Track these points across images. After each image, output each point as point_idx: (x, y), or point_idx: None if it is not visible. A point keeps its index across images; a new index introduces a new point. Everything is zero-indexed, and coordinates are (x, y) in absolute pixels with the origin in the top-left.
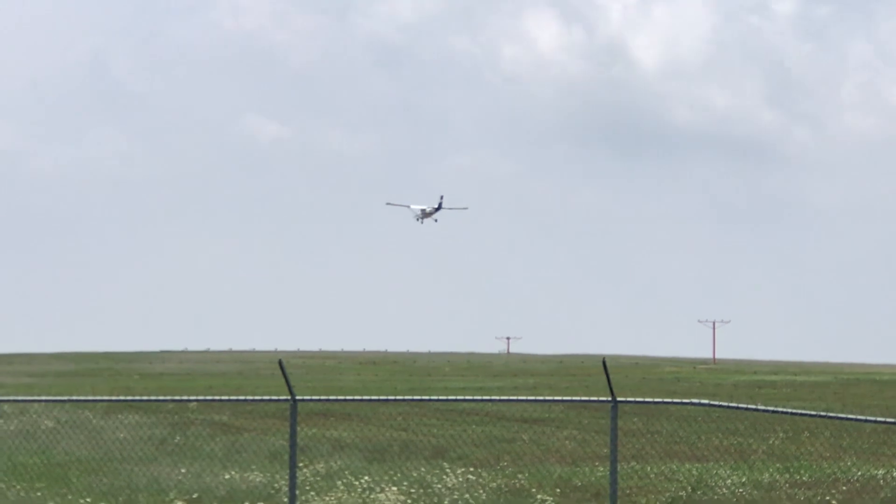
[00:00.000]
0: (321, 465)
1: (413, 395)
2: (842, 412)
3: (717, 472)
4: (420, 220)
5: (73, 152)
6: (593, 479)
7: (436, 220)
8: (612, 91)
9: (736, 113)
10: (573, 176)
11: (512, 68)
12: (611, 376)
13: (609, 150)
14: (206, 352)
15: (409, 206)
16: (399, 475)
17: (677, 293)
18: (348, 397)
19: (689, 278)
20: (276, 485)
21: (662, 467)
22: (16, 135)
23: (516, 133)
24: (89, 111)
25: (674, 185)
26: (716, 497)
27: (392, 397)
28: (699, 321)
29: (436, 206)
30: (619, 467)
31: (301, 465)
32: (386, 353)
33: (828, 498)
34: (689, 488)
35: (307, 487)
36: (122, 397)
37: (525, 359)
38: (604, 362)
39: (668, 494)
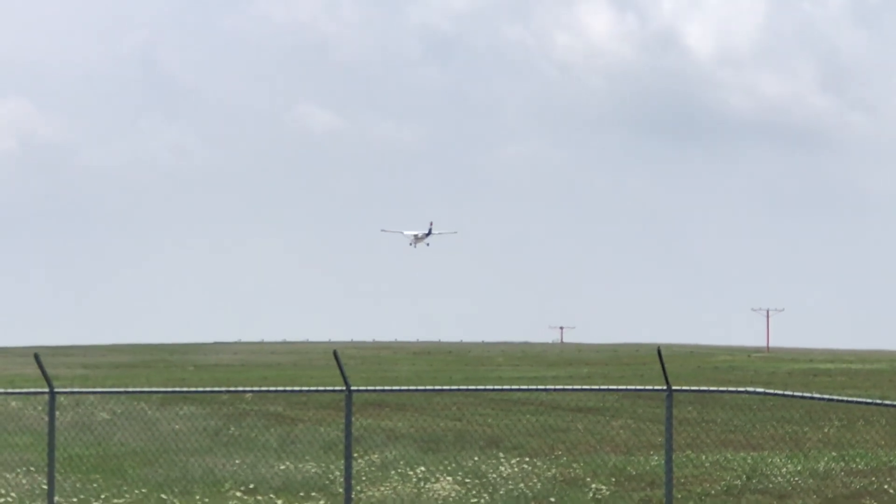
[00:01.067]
0: (376, 456)
1: (467, 384)
2: None
3: (771, 461)
4: (413, 244)
5: (124, 145)
6: (648, 468)
7: (427, 245)
8: (665, 79)
9: (789, 100)
10: (626, 164)
11: (564, 57)
12: (665, 365)
13: (661, 138)
14: (261, 343)
15: (402, 232)
16: (453, 465)
17: (731, 281)
18: (403, 387)
19: (742, 266)
20: (330, 475)
21: (717, 456)
22: (67, 128)
23: (568, 122)
24: (141, 104)
25: (727, 172)
26: (771, 485)
27: (446, 387)
28: (753, 309)
29: (426, 231)
30: (673, 456)
31: (356, 455)
32: (440, 342)
33: (885, 486)
34: (744, 477)
35: (362, 478)
36: (177, 389)
37: (579, 348)
38: (658, 351)
39: (723, 483)
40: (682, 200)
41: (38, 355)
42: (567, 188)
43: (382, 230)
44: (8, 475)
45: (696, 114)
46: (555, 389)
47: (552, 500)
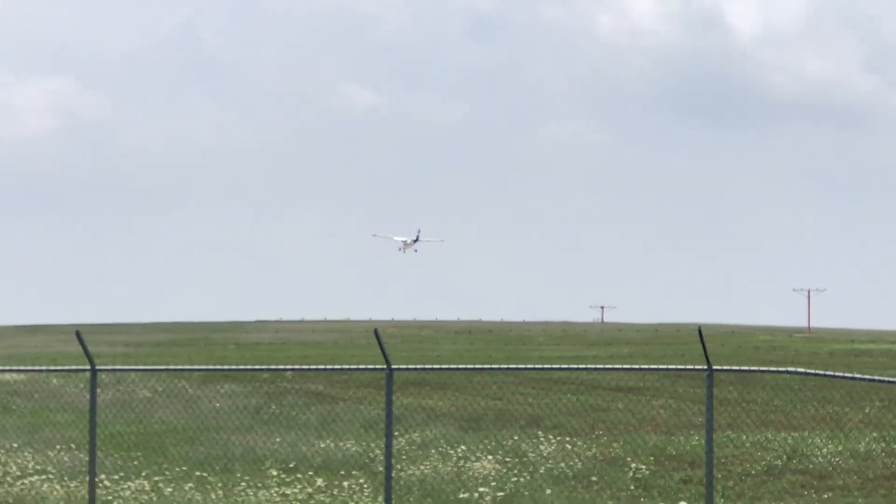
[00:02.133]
0: (416, 435)
1: (508, 364)
2: None
3: (812, 441)
4: (402, 250)
5: (166, 124)
6: (688, 447)
7: (416, 251)
8: (708, 59)
9: (833, 80)
10: (668, 144)
11: (607, 37)
12: (706, 345)
13: (704, 118)
14: (301, 321)
15: (392, 238)
16: (494, 444)
17: (773, 261)
18: (443, 366)
19: (784, 246)
20: (371, 454)
21: (758, 436)
22: (109, 106)
23: (610, 102)
24: (182, 82)
25: (769, 153)
26: (811, 466)
27: (487, 366)
28: (794, 289)
29: (414, 238)
30: (714, 436)
31: (396, 434)
32: (480, 322)
33: None
34: (785, 457)
35: (402, 457)
36: (217, 367)
37: (620, 328)
38: (699, 331)
39: (763, 463)
40: (724, 180)
41: (79, 333)
42: (609, 168)
43: (374, 235)
44: (49, 452)
45: (739, 94)
46: (595, 369)
47: (593, 479)
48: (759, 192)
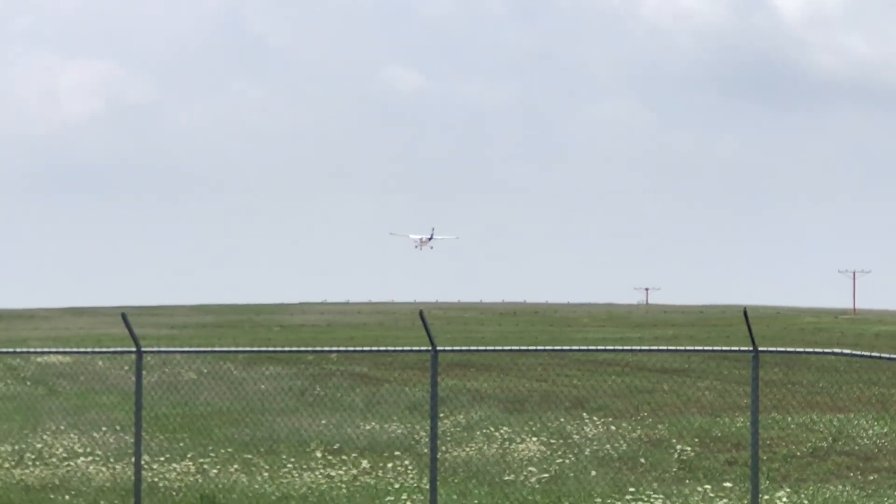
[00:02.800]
0: (461, 416)
1: (552, 345)
2: None
3: (858, 423)
4: (419, 247)
5: (212, 106)
6: (733, 429)
7: (431, 248)
8: (754, 40)
9: (879, 61)
10: (713, 125)
11: (652, 18)
12: (751, 326)
13: (750, 99)
14: (346, 303)
15: (408, 236)
16: (539, 426)
17: (818, 243)
18: (488, 348)
19: (829, 228)
20: (416, 436)
21: (803, 418)
22: (155, 89)
23: (656, 83)
24: (228, 64)
25: (815, 133)
26: (857, 448)
27: (531, 347)
28: (840, 271)
29: (429, 236)
30: (759, 418)
31: (441, 415)
32: (525, 303)
33: None
34: (830, 439)
35: (447, 438)
36: (262, 349)
37: (665, 309)
38: (745, 312)
39: (808, 445)
40: (770, 161)
41: (125, 315)
42: (654, 149)
43: (391, 234)
44: (95, 434)
45: (785, 74)
46: (640, 350)
47: (638, 460)
48: (805, 173)
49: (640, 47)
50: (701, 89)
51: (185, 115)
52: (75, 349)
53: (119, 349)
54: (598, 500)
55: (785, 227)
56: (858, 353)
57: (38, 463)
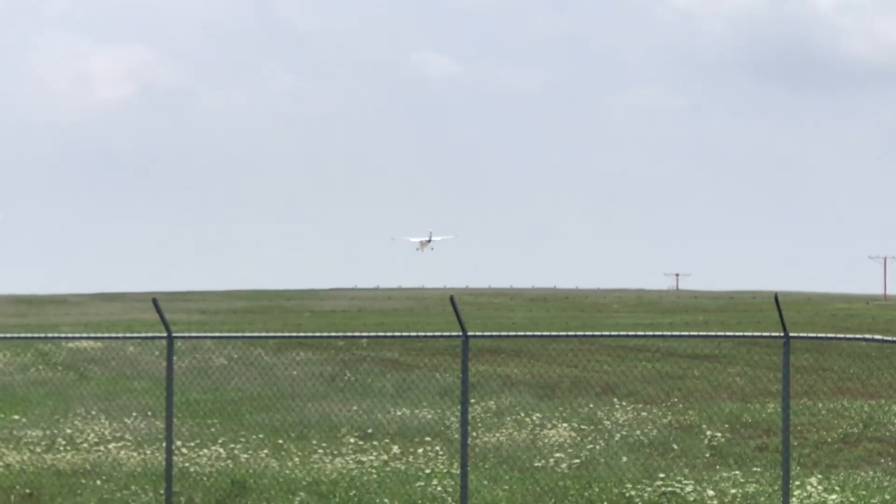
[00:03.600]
0: (492, 402)
1: (583, 331)
2: None
3: (889, 409)
4: (420, 249)
5: (243, 91)
6: (764, 415)
7: (432, 249)
8: (786, 25)
9: None
10: (745, 110)
11: (684, 4)
12: (782, 312)
13: (781, 84)
14: (376, 289)
15: (409, 240)
16: (569, 411)
17: (849, 228)
18: (519, 333)
19: (860, 213)
20: (446, 421)
21: (834, 404)
22: (187, 74)
23: (687, 68)
24: (259, 49)
25: (846, 119)
26: (888, 434)
27: (562, 333)
28: (870, 257)
29: (427, 238)
30: (790, 403)
31: (472, 401)
32: (555, 289)
33: None
34: (861, 425)
35: (478, 424)
36: (293, 334)
37: (695, 295)
38: (776, 298)
39: (839, 431)
40: (801, 147)
41: (156, 300)
42: (685, 134)
43: (392, 239)
44: (126, 419)
45: (817, 60)
46: (671, 336)
47: (672, 447)
48: (836, 158)
49: (672, 33)
50: (733, 75)
51: (216, 101)
52: (106, 335)
53: (150, 335)
54: (629, 485)
55: (816, 213)
56: (889, 338)
57: (69, 448)
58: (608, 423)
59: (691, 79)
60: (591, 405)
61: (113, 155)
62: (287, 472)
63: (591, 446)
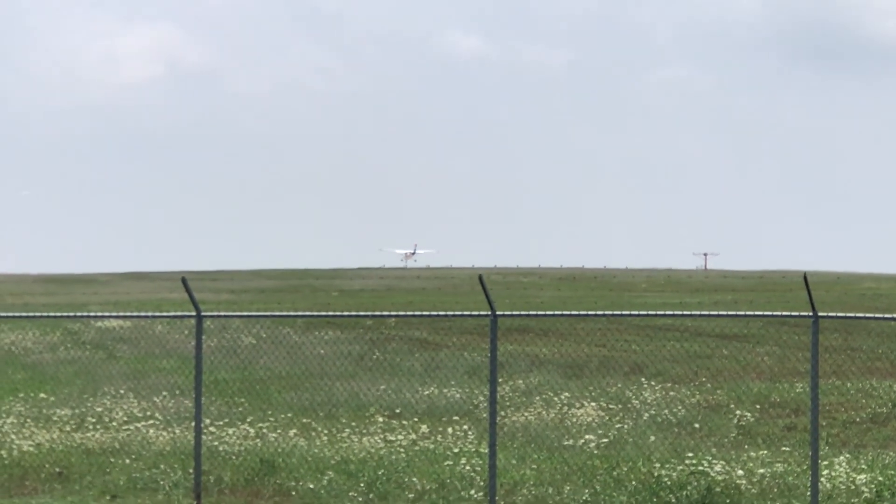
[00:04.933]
0: (520, 381)
1: (611, 310)
2: None
3: None
4: (404, 261)
5: (271, 70)
6: (792, 394)
7: (415, 261)
8: (817, 4)
9: None
10: (775, 89)
11: None
12: (811, 291)
13: (814, 63)
14: (404, 268)
15: (395, 251)
16: (597, 391)
17: (878, 208)
18: (547, 312)
19: (890, 193)
20: (475, 400)
21: (863, 383)
22: (215, 53)
23: (719, 46)
24: (287, 29)
25: (878, 97)
26: None
27: (591, 312)
28: None
29: (412, 251)
30: (818, 383)
31: (500, 380)
32: (584, 268)
33: None
34: (890, 405)
35: (506, 403)
36: (321, 313)
37: (724, 274)
38: (805, 277)
39: (868, 411)
40: (831, 125)
41: (185, 279)
42: (715, 113)
43: (380, 249)
44: (155, 398)
45: (847, 38)
46: (699, 315)
47: (697, 426)
48: (866, 137)
49: (702, 11)
50: (762, 53)
51: (245, 80)
52: (135, 314)
53: (179, 314)
54: (657, 464)
55: (845, 192)
56: None
57: (98, 427)
58: (636, 402)
59: (721, 56)
60: (620, 384)
61: (142, 134)
62: (315, 451)
63: (619, 426)
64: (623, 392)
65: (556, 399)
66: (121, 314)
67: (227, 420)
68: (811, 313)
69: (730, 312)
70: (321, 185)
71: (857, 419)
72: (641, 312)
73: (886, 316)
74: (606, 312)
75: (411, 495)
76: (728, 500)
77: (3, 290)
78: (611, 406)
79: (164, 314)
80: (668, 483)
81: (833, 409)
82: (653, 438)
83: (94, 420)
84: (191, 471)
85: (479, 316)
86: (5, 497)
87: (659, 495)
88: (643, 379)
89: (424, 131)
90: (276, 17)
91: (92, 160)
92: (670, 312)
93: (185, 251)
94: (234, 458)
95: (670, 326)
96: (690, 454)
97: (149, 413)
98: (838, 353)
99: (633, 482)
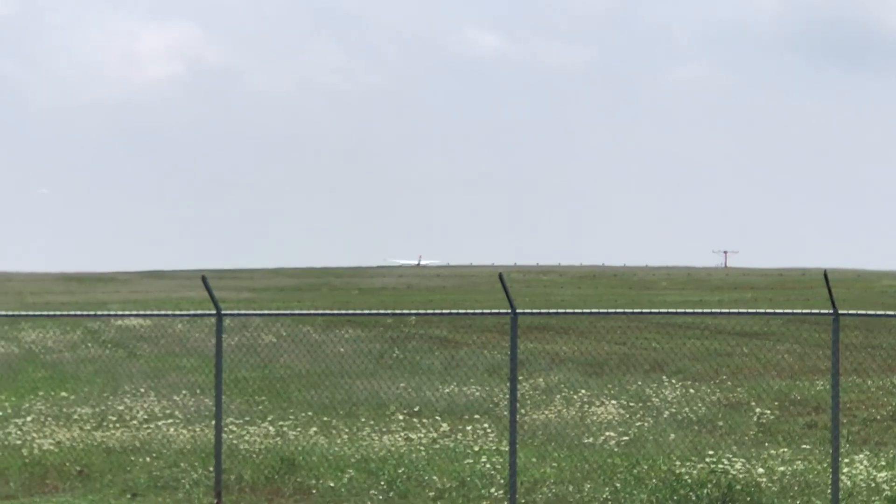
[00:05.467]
0: (540, 379)
1: (631, 308)
2: None
3: None
4: None
5: (291, 69)
6: (813, 392)
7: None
8: (840, 2)
9: None
10: (795, 87)
11: None
12: (832, 289)
13: (834, 61)
14: (425, 267)
15: (399, 262)
16: (617, 389)
17: None
18: (567, 310)
19: None
20: (495, 398)
21: (883, 381)
22: (234, 52)
23: (739, 44)
24: (307, 28)
25: None
26: None
27: (611, 310)
28: None
29: (416, 262)
30: (839, 381)
31: (520, 378)
32: (604, 266)
33: None
34: None
35: (526, 401)
36: (341, 312)
37: (744, 272)
38: (825, 275)
39: (889, 408)
40: (851, 124)
41: (205, 277)
42: (735, 111)
43: (384, 260)
44: (175, 397)
45: (867, 36)
46: (719, 313)
47: (717, 423)
48: (886, 136)
49: (722, 9)
50: (782, 51)
51: (264, 78)
52: (155, 312)
53: (199, 312)
54: (678, 462)
55: (865, 190)
56: None
57: (118, 425)
58: (656, 400)
59: (741, 55)
60: (640, 382)
61: (161, 132)
62: (336, 449)
63: (639, 423)
64: (643, 390)
65: (575, 397)
66: (141, 313)
67: (247, 418)
68: (831, 311)
69: (750, 310)
70: (341, 183)
71: (878, 417)
72: (661, 310)
73: None
74: (626, 310)
75: (432, 493)
76: (748, 498)
77: (23, 289)
78: (631, 404)
79: (184, 313)
80: (689, 481)
81: (853, 407)
82: (673, 436)
83: (114, 418)
84: (211, 469)
85: (499, 314)
86: (26, 495)
87: (679, 493)
88: (663, 377)
89: (444, 129)
90: (296, 17)
91: (110, 158)
92: (690, 310)
93: (205, 250)
94: (254, 456)
95: (690, 324)
96: (711, 452)
97: (169, 411)
98: (858, 351)
99: (654, 480)
